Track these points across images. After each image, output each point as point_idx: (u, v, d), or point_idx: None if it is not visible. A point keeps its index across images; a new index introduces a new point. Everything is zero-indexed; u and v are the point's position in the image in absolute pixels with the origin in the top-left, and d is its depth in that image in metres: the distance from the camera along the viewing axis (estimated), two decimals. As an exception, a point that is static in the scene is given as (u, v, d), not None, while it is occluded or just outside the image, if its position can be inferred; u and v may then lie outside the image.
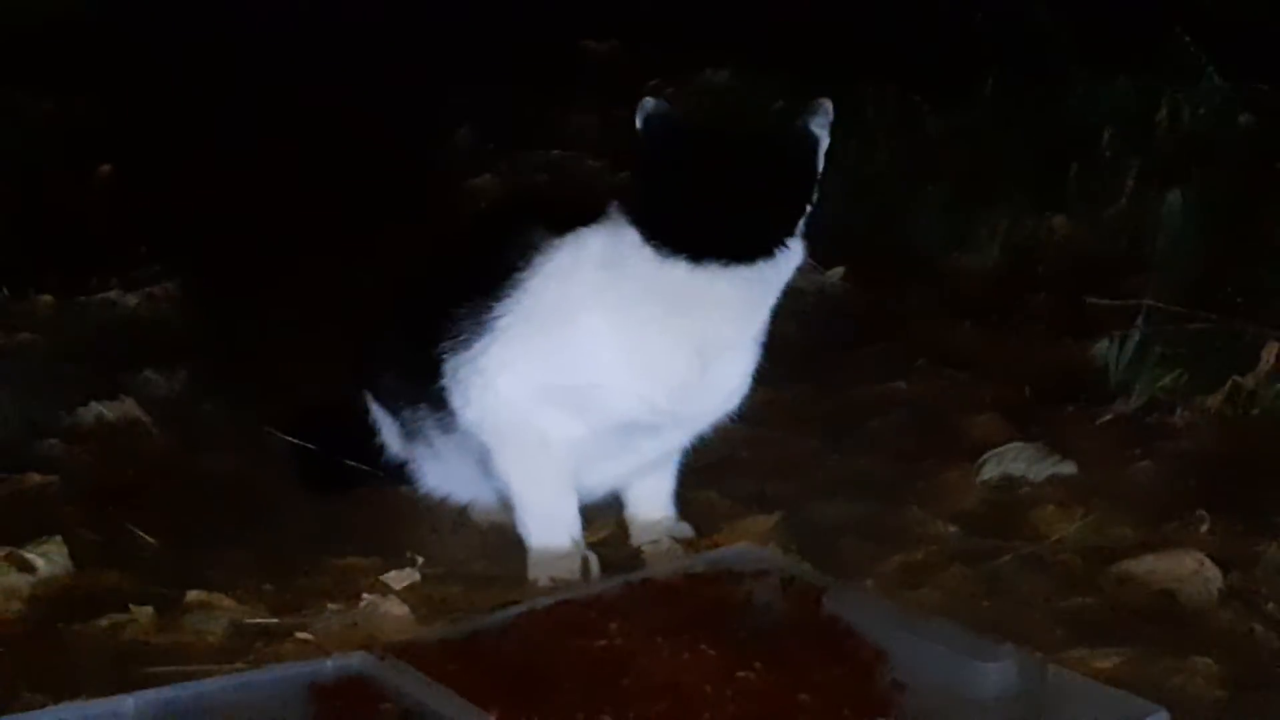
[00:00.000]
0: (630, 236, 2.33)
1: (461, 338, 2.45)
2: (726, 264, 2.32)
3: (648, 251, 2.32)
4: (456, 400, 2.46)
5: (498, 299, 2.44)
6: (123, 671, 2.17)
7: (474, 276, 2.48)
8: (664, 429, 2.49)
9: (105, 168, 4.27)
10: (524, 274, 2.43)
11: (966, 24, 4.57)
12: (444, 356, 2.45)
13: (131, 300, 3.44)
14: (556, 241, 2.44)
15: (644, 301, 2.35)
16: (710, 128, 2.63)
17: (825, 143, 2.38)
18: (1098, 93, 3.97)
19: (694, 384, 2.39)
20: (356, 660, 2.14)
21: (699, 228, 2.32)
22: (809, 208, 2.39)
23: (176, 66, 5.00)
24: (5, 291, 3.34)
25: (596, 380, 2.39)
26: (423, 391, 2.52)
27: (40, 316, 3.31)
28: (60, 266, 3.49)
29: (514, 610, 2.27)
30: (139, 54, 5.09)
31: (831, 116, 2.37)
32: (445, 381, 2.46)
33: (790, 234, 2.36)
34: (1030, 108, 4.05)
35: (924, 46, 4.47)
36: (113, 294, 3.44)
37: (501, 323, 2.43)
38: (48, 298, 3.37)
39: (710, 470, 2.66)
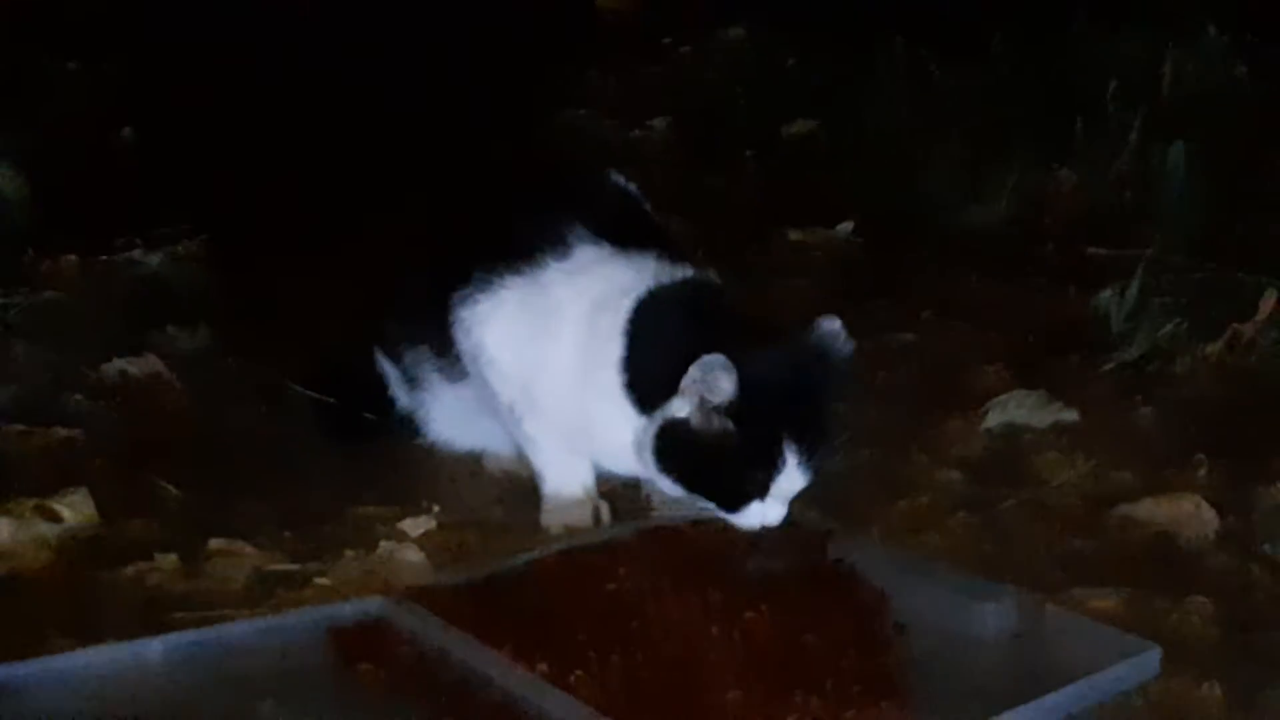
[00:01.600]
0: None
1: (471, 292, 2.51)
2: None
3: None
4: (464, 349, 2.53)
5: (513, 269, 2.50)
6: (148, 618, 2.22)
7: (499, 236, 2.54)
8: None
9: (127, 130, 4.32)
10: (541, 265, 2.48)
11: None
12: (454, 306, 2.52)
13: (154, 259, 3.50)
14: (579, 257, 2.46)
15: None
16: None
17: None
18: (1102, 47, 4.00)
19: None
20: (374, 604, 2.21)
21: None
22: None
23: (201, 31, 5.03)
24: (30, 252, 3.40)
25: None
26: (429, 336, 2.59)
27: (64, 276, 3.37)
28: (84, 227, 3.54)
29: (526, 556, 2.33)
30: (165, 17, 5.12)
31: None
32: (453, 331, 2.53)
33: None
34: (1036, 62, 4.08)
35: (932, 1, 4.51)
36: (136, 253, 3.49)
37: (505, 294, 2.49)
38: (72, 257, 3.42)
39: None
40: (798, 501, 2.31)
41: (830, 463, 2.31)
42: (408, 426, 2.76)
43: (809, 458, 2.27)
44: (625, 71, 4.99)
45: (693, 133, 4.50)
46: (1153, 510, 2.52)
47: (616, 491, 2.58)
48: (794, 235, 3.76)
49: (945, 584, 2.25)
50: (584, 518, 2.51)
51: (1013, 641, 2.16)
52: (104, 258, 3.45)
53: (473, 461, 2.72)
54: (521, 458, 2.61)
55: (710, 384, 2.24)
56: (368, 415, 2.80)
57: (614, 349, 2.37)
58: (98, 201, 3.75)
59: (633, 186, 2.68)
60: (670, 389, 2.28)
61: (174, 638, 2.13)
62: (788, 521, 2.32)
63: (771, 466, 2.26)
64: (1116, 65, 3.92)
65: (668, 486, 2.34)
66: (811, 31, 4.73)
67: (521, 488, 2.59)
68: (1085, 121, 3.76)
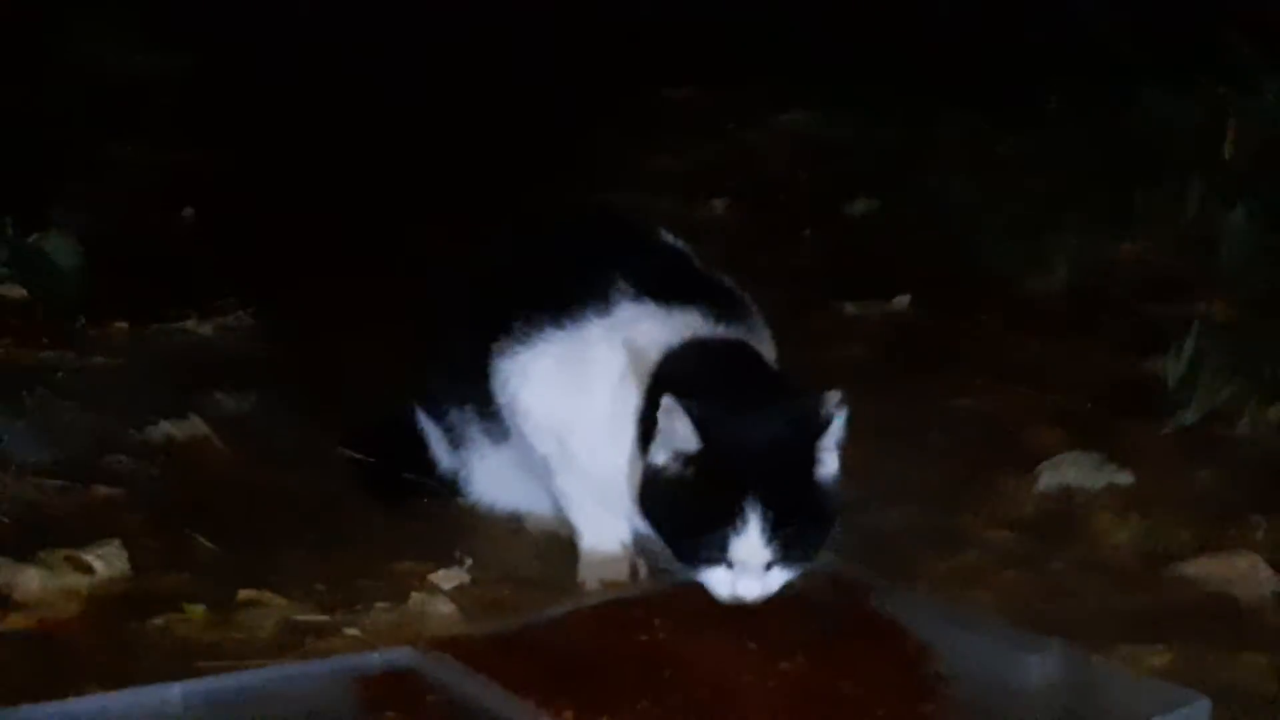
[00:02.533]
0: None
1: (510, 344, 2.49)
2: None
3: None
4: (502, 401, 2.50)
5: (554, 322, 2.47)
6: (174, 667, 2.18)
7: (542, 290, 2.51)
8: None
9: (189, 210, 4.34)
10: (582, 319, 2.45)
11: (1028, 44, 4.57)
12: (493, 357, 2.49)
13: (206, 329, 3.49)
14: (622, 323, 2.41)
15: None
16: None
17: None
18: (1161, 108, 3.95)
19: None
20: (402, 654, 2.17)
21: None
22: None
23: (263, 122, 5.08)
24: (82, 320, 3.41)
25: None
26: (471, 393, 2.56)
27: (114, 342, 3.36)
28: (138, 298, 3.55)
29: (560, 609, 2.29)
30: (229, 110, 5.19)
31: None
32: (492, 383, 2.50)
33: None
34: (1094, 126, 4.04)
35: (988, 70, 4.48)
36: (188, 323, 3.49)
37: (545, 346, 2.46)
38: (123, 325, 3.42)
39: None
40: (839, 558, 2.26)
41: (818, 544, 2.20)
42: (449, 486, 2.73)
43: (776, 528, 2.15)
44: (686, 154, 4.99)
45: (752, 212, 4.48)
46: (1208, 569, 2.46)
47: (657, 549, 2.53)
48: (850, 308, 3.72)
49: (989, 635, 2.19)
50: (621, 573, 2.46)
51: (1057, 693, 2.10)
52: (155, 325, 3.45)
53: (513, 521, 2.69)
54: (562, 518, 2.57)
55: (672, 429, 2.19)
56: (408, 475, 2.77)
57: (635, 400, 2.33)
58: (154, 275, 3.76)
59: (682, 244, 2.66)
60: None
61: (194, 684, 2.09)
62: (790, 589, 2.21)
63: (728, 526, 2.15)
64: (1177, 125, 3.87)
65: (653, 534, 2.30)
66: (870, 112, 4.71)
67: (560, 546, 2.56)
68: (1145, 185, 3.71)
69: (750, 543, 2.16)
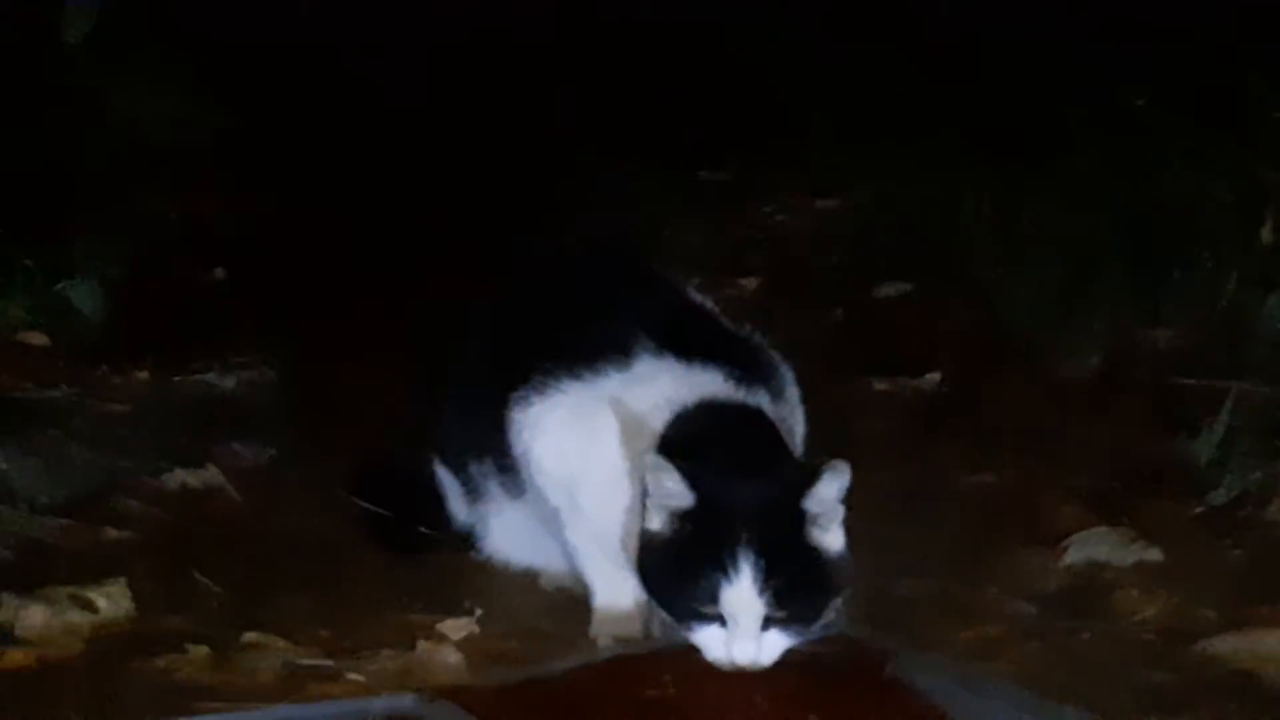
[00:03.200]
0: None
1: (526, 394, 2.45)
2: None
3: None
4: (516, 452, 2.46)
5: (572, 374, 2.43)
6: (173, 709, 2.16)
7: (563, 341, 2.48)
8: None
9: (219, 270, 4.34)
10: (601, 372, 2.41)
11: (1057, 113, 4.55)
12: (509, 406, 2.45)
13: (228, 382, 3.47)
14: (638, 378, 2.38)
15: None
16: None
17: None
18: (1193, 181, 3.91)
19: None
20: (406, 701, 2.13)
21: None
22: None
23: (295, 181, 5.09)
24: (104, 367, 3.38)
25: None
26: (490, 446, 2.52)
27: (133, 389, 3.34)
28: (161, 349, 3.53)
29: (569, 661, 2.25)
30: (265, 171, 5.19)
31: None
32: (507, 433, 2.46)
33: None
34: (1126, 199, 4.00)
35: (1015, 138, 4.46)
36: (210, 376, 3.47)
37: (560, 397, 2.43)
38: (143, 374, 3.41)
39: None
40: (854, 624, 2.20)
41: (815, 603, 2.15)
42: (464, 541, 2.69)
43: (769, 577, 2.11)
44: (718, 234, 4.96)
45: (782, 291, 4.45)
46: (1236, 646, 2.39)
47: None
48: (879, 385, 3.68)
49: (1008, 703, 2.13)
50: (634, 630, 2.41)
51: (1077, 761, 2.03)
52: (176, 376, 3.43)
53: (527, 576, 2.64)
54: (576, 575, 2.52)
55: (662, 487, 2.16)
56: (422, 529, 2.73)
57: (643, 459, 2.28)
58: (178, 328, 3.75)
59: (709, 302, 2.62)
60: None
61: (192, 721, 2.05)
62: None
63: (720, 575, 2.11)
64: (1211, 199, 3.82)
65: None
66: (901, 192, 4.69)
67: (573, 602, 2.51)
68: (1179, 264, 3.66)
69: (742, 592, 2.11)
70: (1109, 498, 2.93)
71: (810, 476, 2.17)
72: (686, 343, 2.43)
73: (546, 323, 2.56)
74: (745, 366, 2.41)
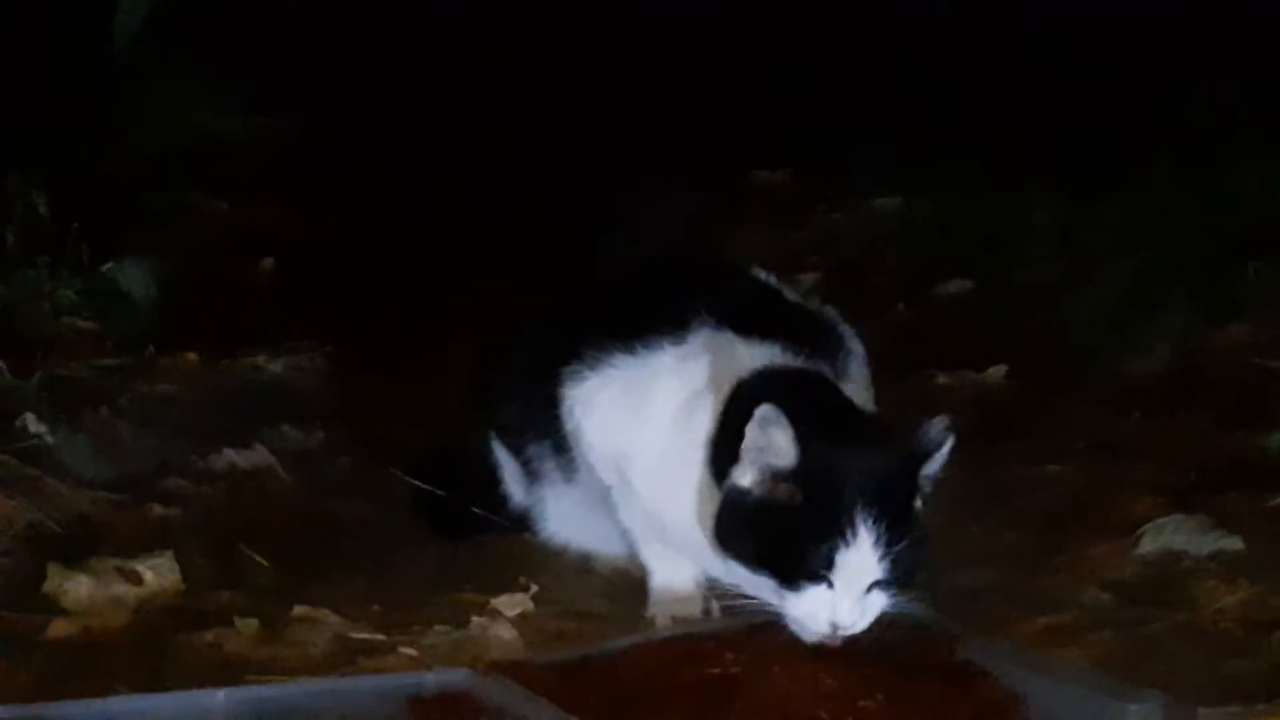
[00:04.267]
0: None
1: (580, 369, 2.39)
2: None
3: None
4: (569, 429, 2.40)
5: (626, 349, 2.37)
6: (220, 680, 2.09)
7: (619, 317, 2.42)
8: None
9: (269, 261, 4.30)
10: (656, 347, 2.35)
11: (1129, 119, 4.46)
12: (563, 382, 2.39)
13: (277, 367, 3.43)
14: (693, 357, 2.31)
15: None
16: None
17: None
18: (1266, 176, 3.82)
19: None
20: (458, 675, 2.05)
21: None
22: None
23: (340, 175, 5.05)
24: (153, 349, 3.34)
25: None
26: (548, 425, 2.46)
27: (182, 372, 3.30)
28: (212, 335, 3.49)
29: (628, 639, 2.17)
30: (309, 164, 5.16)
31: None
32: (562, 413, 2.40)
33: None
34: (1198, 196, 3.91)
35: (1087, 146, 4.38)
36: (259, 359, 3.42)
37: (613, 372, 2.37)
38: (192, 356, 3.36)
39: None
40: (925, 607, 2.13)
41: (916, 570, 2.09)
42: (520, 522, 2.63)
43: (886, 540, 2.03)
44: (774, 233, 4.89)
45: (841, 288, 4.37)
46: (1319, 635, 2.30)
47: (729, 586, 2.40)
48: (942, 379, 3.60)
49: (1083, 687, 2.04)
50: (692, 611, 2.35)
51: (1159, 744, 1.95)
52: (225, 360, 3.38)
53: (583, 559, 2.58)
54: (634, 558, 2.46)
55: (768, 441, 2.06)
56: (476, 510, 2.67)
57: (706, 427, 2.21)
58: (227, 315, 3.70)
59: (774, 279, 2.55)
60: (737, 455, 2.11)
61: (239, 691, 2.00)
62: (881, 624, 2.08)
63: (839, 535, 2.02)
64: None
65: (725, 571, 2.17)
66: (961, 193, 4.61)
67: (630, 584, 2.46)
68: (1255, 265, 3.57)
69: (862, 556, 2.04)
70: (1183, 489, 2.84)
71: (934, 444, 2.12)
72: (747, 319, 2.36)
73: (607, 304, 2.52)
74: (808, 341, 2.34)
